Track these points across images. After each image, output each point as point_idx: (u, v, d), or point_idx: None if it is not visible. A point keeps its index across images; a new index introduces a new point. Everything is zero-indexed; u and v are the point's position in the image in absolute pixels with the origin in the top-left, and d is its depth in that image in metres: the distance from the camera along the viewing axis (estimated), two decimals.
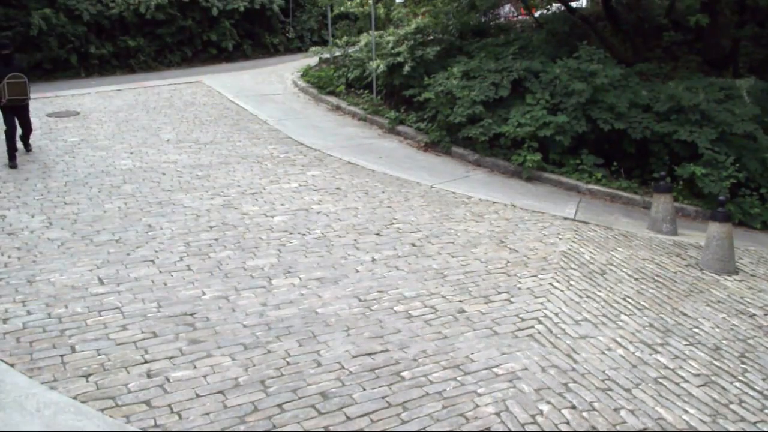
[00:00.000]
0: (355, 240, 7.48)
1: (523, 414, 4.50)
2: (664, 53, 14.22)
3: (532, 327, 5.74)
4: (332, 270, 6.66)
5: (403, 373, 4.90)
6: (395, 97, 13.84)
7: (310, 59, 18.69)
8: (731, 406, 4.87)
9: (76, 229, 7.40)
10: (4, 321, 5.35)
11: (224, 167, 9.93)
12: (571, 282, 6.76)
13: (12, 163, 9.60)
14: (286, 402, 4.47)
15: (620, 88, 11.21)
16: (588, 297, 6.45)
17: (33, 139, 11.09)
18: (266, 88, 16.45)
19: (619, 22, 14.57)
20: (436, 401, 4.58)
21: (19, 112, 9.79)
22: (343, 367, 4.93)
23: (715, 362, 5.48)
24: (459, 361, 5.11)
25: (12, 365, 4.73)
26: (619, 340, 5.67)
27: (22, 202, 8.19)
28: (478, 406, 4.56)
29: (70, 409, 4.26)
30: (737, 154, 10.23)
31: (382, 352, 5.19)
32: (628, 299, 6.51)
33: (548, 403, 4.66)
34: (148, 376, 4.68)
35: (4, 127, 9.74)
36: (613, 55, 12.61)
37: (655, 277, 7.16)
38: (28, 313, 5.51)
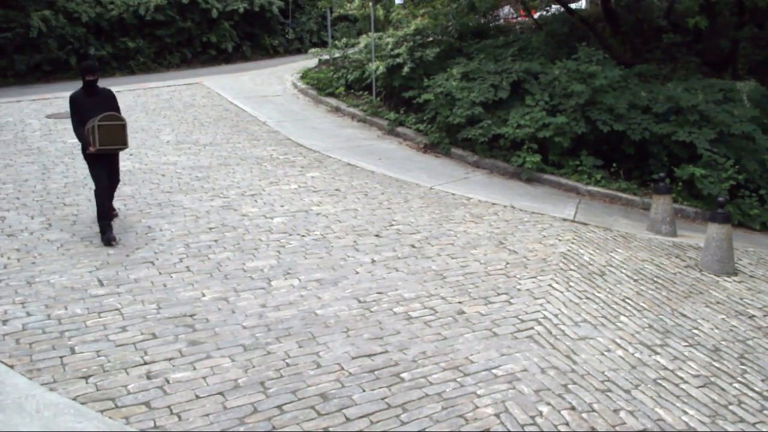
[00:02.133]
0: (354, 241, 7.49)
1: (523, 415, 4.51)
2: (663, 54, 14.22)
3: (532, 328, 5.75)
4: (332, 271, 6.67)
5: (403, 375, 4.90)
6: (394, 98, 13.85)
7: (309, 61, 18.73)
8: (730, 407, 4.87)
9: (75, 230, 7.41)
10: (4, 322, 5.35)
11: (224, 169, 9.93)
12: (571, 283, 6.76)
13: (107, 235, 7.06)
14: (286, 403, 4.47)
15: (619, 89, 11.21)
16: (587, 298, 6.45)
17: (32, 140, 11.11)
18: (266, 90, 16.46)
19: (619, 23, 14.58)
20: (435, 402, 4.59)
21: (109, 162, 7.36)
22: (342, 369, 4.93)
23: (714, 363, 5.48)
24: (458, 363, 5.11)
25: (11, 366, 4.74)
26: (618, 341, 5.67)
27: (21, 203, 8.19)
28: (477, 407, 4.56)
29: (70, 411, 4.26)
30: (736, 156, 10.24)
31: (381, 353, 5.19)
32: (627, 300, 6.51)
33: (548, 404, 4.66)
34: (148, 378, 4.68)
35: (95, 184, 7.27)
36: (612, 57, 12.62)
37: (655, 279, 7.16)
38: (28, 314, 5.51)
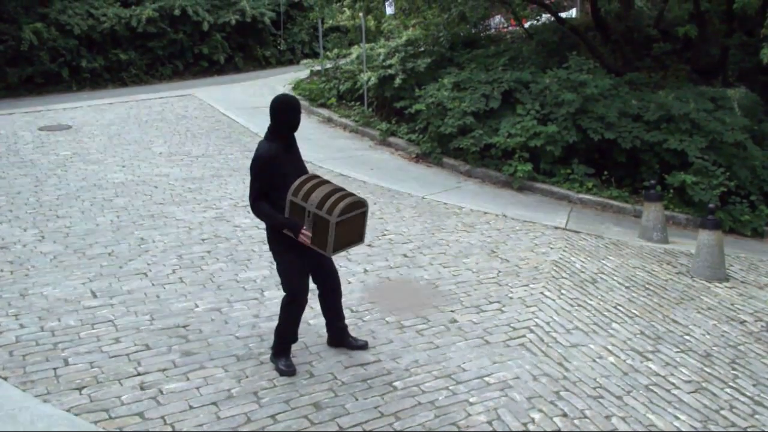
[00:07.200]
0: (346, 251, 7.49)
1: (515, 422, 4.52)
2: (653, 62, 14.31)
3: (524, 336, 5.77)
4: None
5: (396, 383, 4.92)
6: (386, 108, 13.88)
7: (301, 72, 18.76)
8: (722, 412, 4.90)
9: (68, 242, 7.41)
10: None
11: (216, 180, 9.94)
12: (563, 291, 6.79)
13: (287, 364, 4.96)
14: (279, 413, 4.48)
15: (610, 97, 11.27)
16: (579, 306, 6.48)
17: (25, 153, 11.10)
18: (258, 101, 16.47)
19: (609, 32, 14.68)
20: (428, 411, 4.60)
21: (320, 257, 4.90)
22: (335, 378, 4.95)
23: (705, 369, 5.51)
24: (451, 371, 5.13)
25: (5, 378, 4.73)
26: (610, 347, 5.70)
27: (14, 215, 8.19)
28: (470, 415, 4.58)
29: (64, 422, 4.26)
30: (727, 163, 10.31)
31: (374, 362, 5.20)
32: (619, 307, 6.54)
33: (540, 411, 4.68)
34: (142, 389, 4.69)
35: (290, 294, 4.93)
36: (602, 65, 12.70)
37: (646, 285, 7.20)
38: (21, 326, 5.50)
